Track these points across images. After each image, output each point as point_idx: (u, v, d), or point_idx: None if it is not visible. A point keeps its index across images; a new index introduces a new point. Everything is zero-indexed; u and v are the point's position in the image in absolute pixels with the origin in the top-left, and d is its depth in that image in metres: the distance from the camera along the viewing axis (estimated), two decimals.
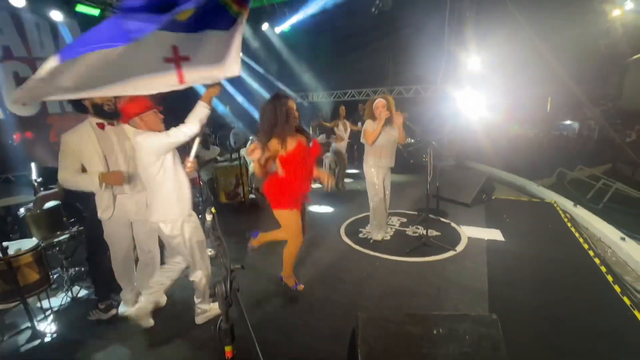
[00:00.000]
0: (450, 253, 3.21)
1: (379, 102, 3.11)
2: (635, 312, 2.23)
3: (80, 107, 2.04)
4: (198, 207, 4.46)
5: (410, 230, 3.86)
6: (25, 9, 5.04)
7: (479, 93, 7.57)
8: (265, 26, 8.45)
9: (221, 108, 8.97)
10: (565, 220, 4.02)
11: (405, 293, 2.58)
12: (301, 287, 2.64)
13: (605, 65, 14.51)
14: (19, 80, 5.39)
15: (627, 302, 2.34)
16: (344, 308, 2.40)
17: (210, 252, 3.30)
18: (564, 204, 4.56)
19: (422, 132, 7.89)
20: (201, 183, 4.36)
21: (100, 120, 2.05)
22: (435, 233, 3.70)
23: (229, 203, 5.00)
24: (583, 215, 4.15)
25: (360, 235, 3.75)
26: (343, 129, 5.58)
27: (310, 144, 2.42)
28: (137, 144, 1.86)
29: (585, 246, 3.27)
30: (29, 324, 2.20)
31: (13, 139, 5.33)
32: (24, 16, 5.34)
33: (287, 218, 2.40)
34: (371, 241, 3.51)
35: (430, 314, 1.63)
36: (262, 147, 2.24)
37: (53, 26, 5.69)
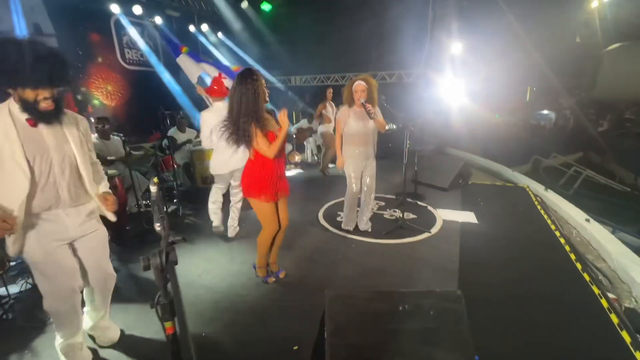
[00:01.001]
0: (425, 235, 3.27)
1: (358, 85, 2.82)
2: (594, 287, 2.34)
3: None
4: (172, 191, 4.32)
5: (387, 214, 3.89)
6: None
7: (460, 79, 7.63)
8: (244, 4, 8.11)
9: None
10: (536, 203, 4.15)
11: (379, 273, 2.61)
12: (271, 280, 2.49)
13: (581, 56, 14.92)
14: None
15: (587, 278, 2.45)
16: (316, 289, 2.38)
17: (157, 226, 3.23)
18: (536, 188, 4.71)
19: (404, 117, 7.96)
20: (175, 166, 4.22)
21: (29, 117, 1.44)
22: (411, 216, 3.75)
23: (206, 187, 4.86)
24: (553, 198, 4.31)
25: (338, 218, 3.75)
26: (331, 111, 5.50)
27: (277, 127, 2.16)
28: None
29: (553, 227, 3.40)
30: None
31: None
32: None
33: (260, 207, 2.27)
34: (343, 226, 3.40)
35: (396, 291, 1.64)
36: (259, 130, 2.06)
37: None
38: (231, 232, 3.27)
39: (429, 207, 4.06)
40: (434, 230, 3.39)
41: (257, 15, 8.50)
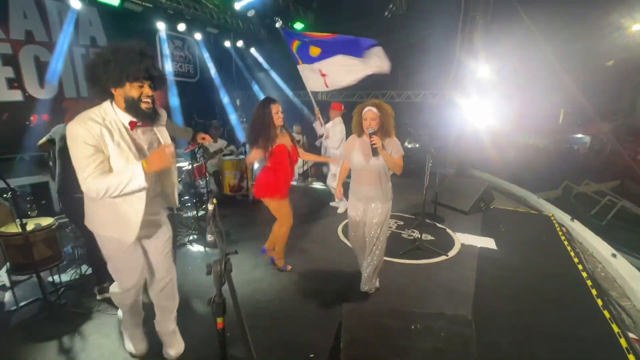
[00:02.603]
0: (442, 258, 3.31)
1: (368, 111, 2.31)
2: (613, 326, 2.31)
3: (102, 94, 1.48)
4: (203, 198, 4.63)
5: (405, 234, 3.96)
6: None
7: (487, 101, 7.59)
8: (278, 23, 8.55)
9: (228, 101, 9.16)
10: (560, 233, 4.07)
11: (393, 292, 2.70)
12: (289, 267, 2.99)
13: (619, 80, 14.31)
14: (39, 63, 5.61)
15: (607, 315, 2.42)
16: (333, 301, 2.53)
17: (209, 237, 3.48)
18: (562, 217, 4.61)
19: (426, 139, 8.00)
20: (207, 174, 4.52)
21: (132, 119, 1.49)
22: (429, 238, 3.80)
23: (233, 195, 5.16)
24: (579, 229, 4.20)
25: None
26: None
27: (292, 144, 2.78)
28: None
29: (576, 260, 3.34)
30: (40, 296, 2.37)
31: (30, 120, 5.55)
32: (47, 3, 5.55)
33: (277, 205, 2.77)
34: None
35: (409, 311, 1.75)
36: (256, 148, 2.65)
37: (73, 13, 5.91)
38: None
39: (448, 230, 4.09)
40: (452, 253, 3.43)
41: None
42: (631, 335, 2.27)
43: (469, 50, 7.19)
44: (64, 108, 6.00)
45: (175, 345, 1.95)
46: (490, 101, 7.75)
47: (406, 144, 7.18)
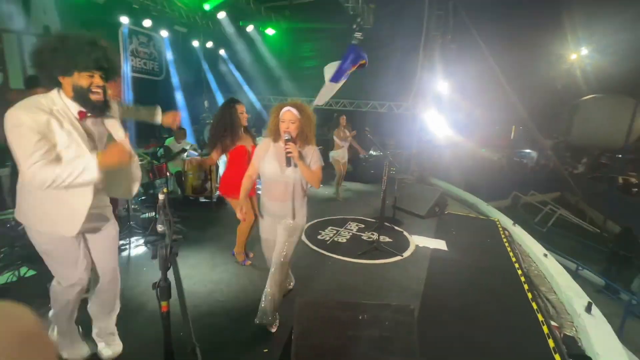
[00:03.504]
0: (397, 258, 3.51)
1: (287, 112, 1.96)
2: (539, 315, 2.61)
3: (49, 82, 1.44)
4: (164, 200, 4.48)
5: (365, 236, 4.13)
6: None
7: (446, 115, 8.17)
8: (250, 27, 8.60)
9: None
10: (503, 236, 4.48)
11: (349, 290, 2.82)
12: (248, 262, 3.08)
13: (559, 103, 16.03)
14: None
15: (535, 306, 2.73)
16: (291, 300, 2.58)
17: (159, 227, 3.39)
18: (505, 222, 5.06)
19: (393, 145, 8.40)
20: (168, 174, 4.40)
21: (81, 109, 1.45)
22: (387, 239, 4.00)
23: (195, 197, 5.04)
24: (519, 232, 4.65)
25: (319, 237, 3.97)
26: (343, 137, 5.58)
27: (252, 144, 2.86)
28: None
29: (513, 259, 3.70)
30: None
31: None
32: None
33: (236, 203, 2.72)
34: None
35: (357, 302, 1.86)
36: (213, 148, 2.75)
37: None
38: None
39: (405, 233, 4.33)
40: (406, 254, 3.64)
41: (262, 38, 8.99)
42: (553, 323, 2.58)
43: (429, 66, 7.72)
44: (10, 100, 5.55)
45: (112, 346, 1.87)
46: (448, 115, 8.35)
47: (371, 151, 7.48)
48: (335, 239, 3.94)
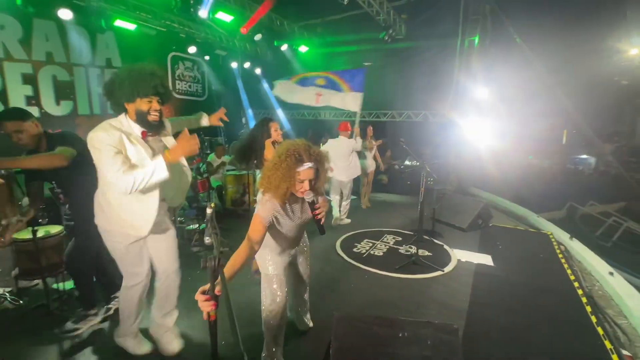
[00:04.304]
0: (438, 273, 3.34)
1: (308, 171, 1.54)
2: (606, 342, 2.31)
3: (117, 108, 1.74)
4: (205, 211, 4.75)
5: (403, 249, 4.00)
6: (70, 21, 5.63)
7: (486, 122, 7.77)
8: (284, 46, 8.99)
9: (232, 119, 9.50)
10: (558, 251, 4.08)
11: (387, 305, 2.73)
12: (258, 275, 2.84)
13: (620, 103, 14.49)
14: (57, 84, 5.96)
15: (601, 332, 2.42)
16: (327, 314, 2.56)
17: (207, 239, 3.56)
18: (561, 236, 4.62)
19: (429, 155, 8.14)
20: (211, 188, 4.65)
21: (143, 129, 1.73)
22: (426, 253, 3.84)
23: (235, 209, 5.27)
24: (577, 248, 4.20)
25: (354, 249, 3.93)
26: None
27: None
28: None
29: (572, 277, 3.35)
30: (44, 301, 2.46)
31: None
32: (68, 27, 5.95)
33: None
34: None
35: (397, 319, 1.79)
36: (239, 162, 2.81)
37: (93, 37, 6.32)
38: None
39: (445, 246, 4.12)
40: (447, 269, 3.46)
41: (295, 56, 9.34)
42: (625, 352, 2.27)
43: (467, 72, 7.45)
44: (76, 124, 6.30)
45: (173, 342, 2.06)
46: (489, 122, 7.92)
47: (407, 161, 7.32)
48: (372, 252, 3.86)
